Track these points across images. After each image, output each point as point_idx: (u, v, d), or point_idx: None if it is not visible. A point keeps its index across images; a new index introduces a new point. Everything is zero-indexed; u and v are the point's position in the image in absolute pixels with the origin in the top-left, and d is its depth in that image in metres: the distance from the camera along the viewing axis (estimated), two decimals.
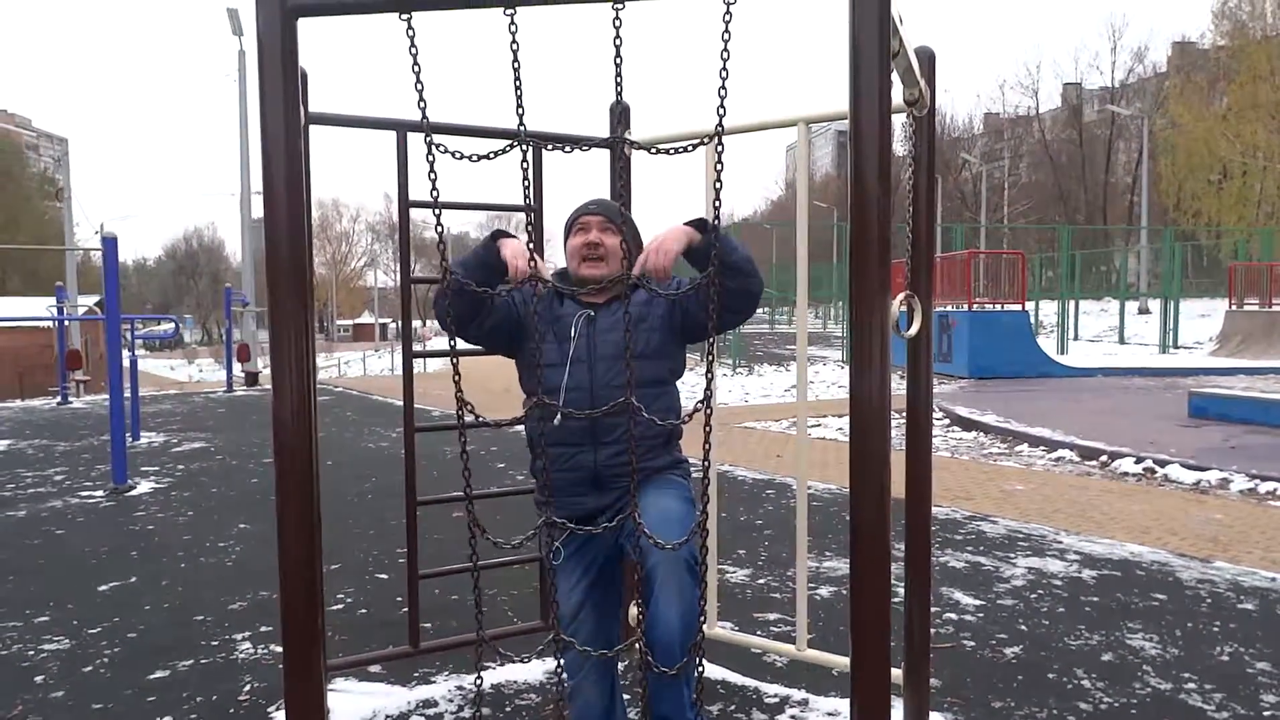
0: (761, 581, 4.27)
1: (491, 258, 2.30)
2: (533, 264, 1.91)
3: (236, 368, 16.86)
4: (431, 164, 1.88)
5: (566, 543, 2.37)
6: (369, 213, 75.13)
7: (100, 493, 6.68)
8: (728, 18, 1.65)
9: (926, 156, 2.55)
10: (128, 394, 9.09)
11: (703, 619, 1.95)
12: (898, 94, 2.32)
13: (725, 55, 1.73)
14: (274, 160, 1.67)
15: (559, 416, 2.30)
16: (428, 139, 1.84)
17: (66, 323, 16.57)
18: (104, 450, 8.61)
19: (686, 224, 2.24)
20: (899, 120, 2.68)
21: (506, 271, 2.30)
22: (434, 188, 1.91)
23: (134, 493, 6.66)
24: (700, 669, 1.81)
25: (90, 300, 28.04)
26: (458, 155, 2.04)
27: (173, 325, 14.97)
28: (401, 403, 3.10)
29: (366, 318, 74.71)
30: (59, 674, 3.30)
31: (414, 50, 1.71)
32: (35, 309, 20.15)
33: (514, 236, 2.37)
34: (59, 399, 14.76)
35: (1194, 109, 32.86)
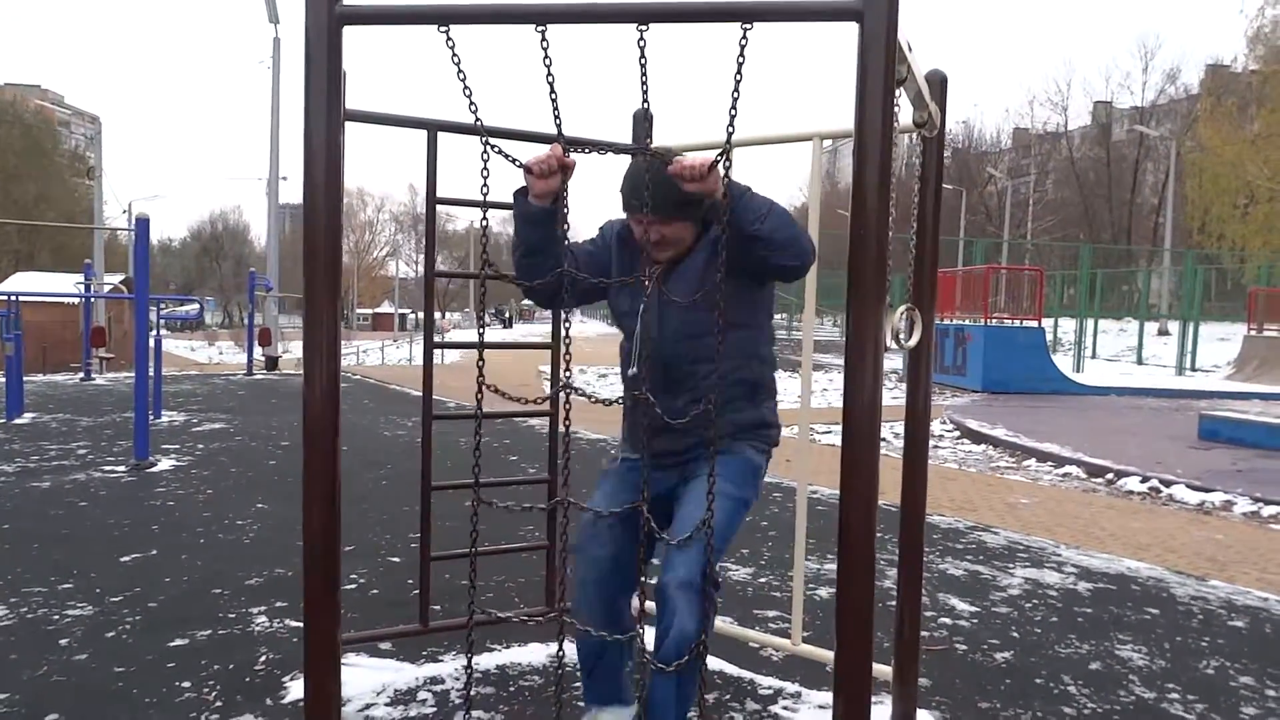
0: (763, 580, 4.37)
1: (529, 209, 2.24)
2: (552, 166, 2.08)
3: (257, 351, 17.08)
4: (485, 163, 1.99)
5: (626, 467, 2.51)
6: (394, 203, 75.60)
7: (122, 468, 6.85)
8: (744, 42, 1.76)
9: (935, 175, 2.65)
10: (150, 373, 9.28)
11: (706, 637, 2.06)
12: (907, 115, 2.43)
13: (738, 77, 1.84)
14: (315, 160, 1.79)
15: (632, 367, 2.42)
16: (484, 141, 1.96)
17: (93, 300, 16.83)
18: (126, 427, 8.80)
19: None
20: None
21: (553, 204, 2.22)
22: (485, 185, 2.02)
23: (155, 469, 6.83)
24: (700, 684, 1.91)
25: (115, 278, 28.39)
26: (513, 160, 2.15)
27: (198, 307, 15.16)
28: (418, 393, 3.22)
29: (386, 307, 75.15)
30: (83, 638, 3.44)
31: (456, 59, 1.83)
32: (62, 285, 20.44)
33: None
34: (82, 375, 15.02)
35: (1223, 132, 32.63)
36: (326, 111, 1.78)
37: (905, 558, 2.79)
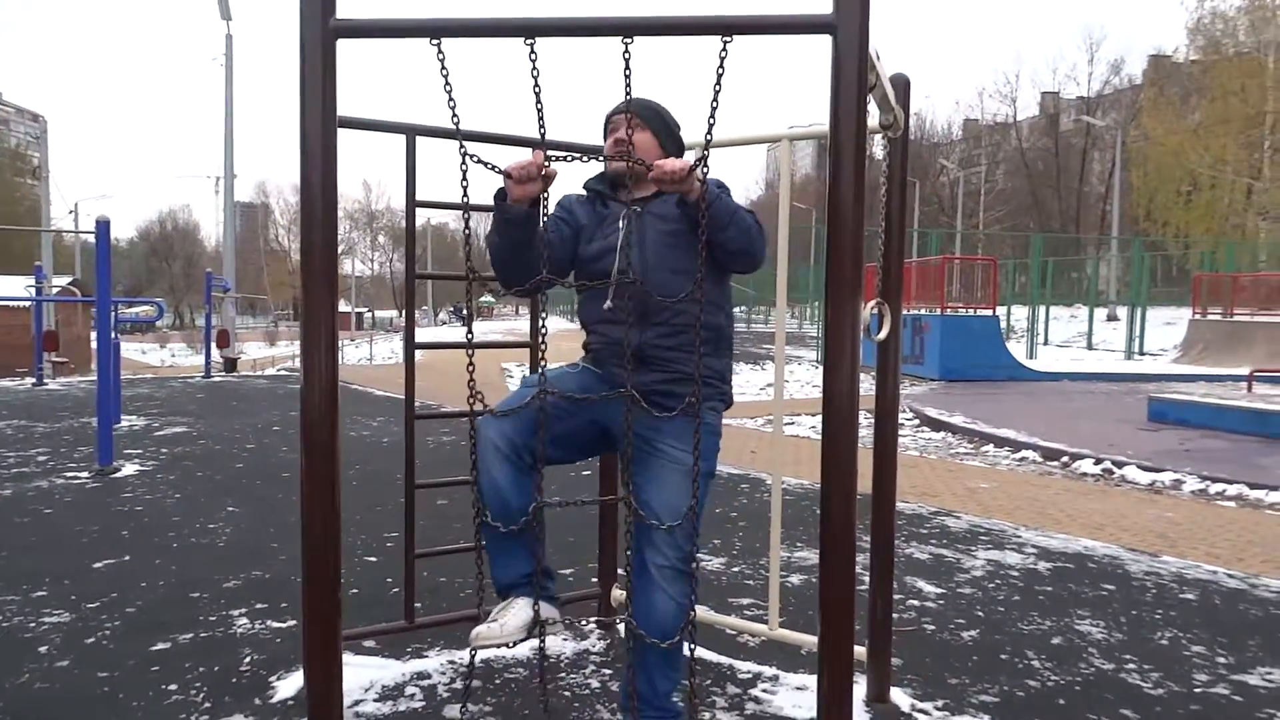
0: (736, 569, 4.48)
1: (509, 213, 2.32)
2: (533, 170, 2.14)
3: (215, 353, 16.88)
4: (465, 172, 2.05)
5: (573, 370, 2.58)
6: (347, 200, 74.75)
7: (85, 474, 6.78)
8: (724, 54, 1.84)
9: (900, 174, 2.75)
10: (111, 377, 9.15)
11: (692, 615, 2.14)
12: (874, 118, 2.53)
13: (718, 88, 1.92)
14: (311, 165, 1.84)
15: (608, 301, 2.48)
16: (462, 149, 2.03)
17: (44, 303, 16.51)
18: (84, 432, 8.69)
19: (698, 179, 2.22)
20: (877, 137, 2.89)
21: (531, 208, 2.30)
22: (465, 194, 2.08)
23: (119, 474, 6.77)
24: (691, 668, 1.99)
25: (63, 281, 27.80)
26: (492, 167, 2.22)
27: (157, 309, 14.94)
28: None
29: (343, 306, 74.33)
30: (62, 645, 3.44)
31: (445, 71, 1.89)
32: (8, 288, 20.01)
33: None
34: (34, 380, 14.74)
35: (1166, 122, 33.44)
36: (322, 119, 1.83)
37: (877, 544, 2.91)
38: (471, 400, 2.01)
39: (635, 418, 2.24)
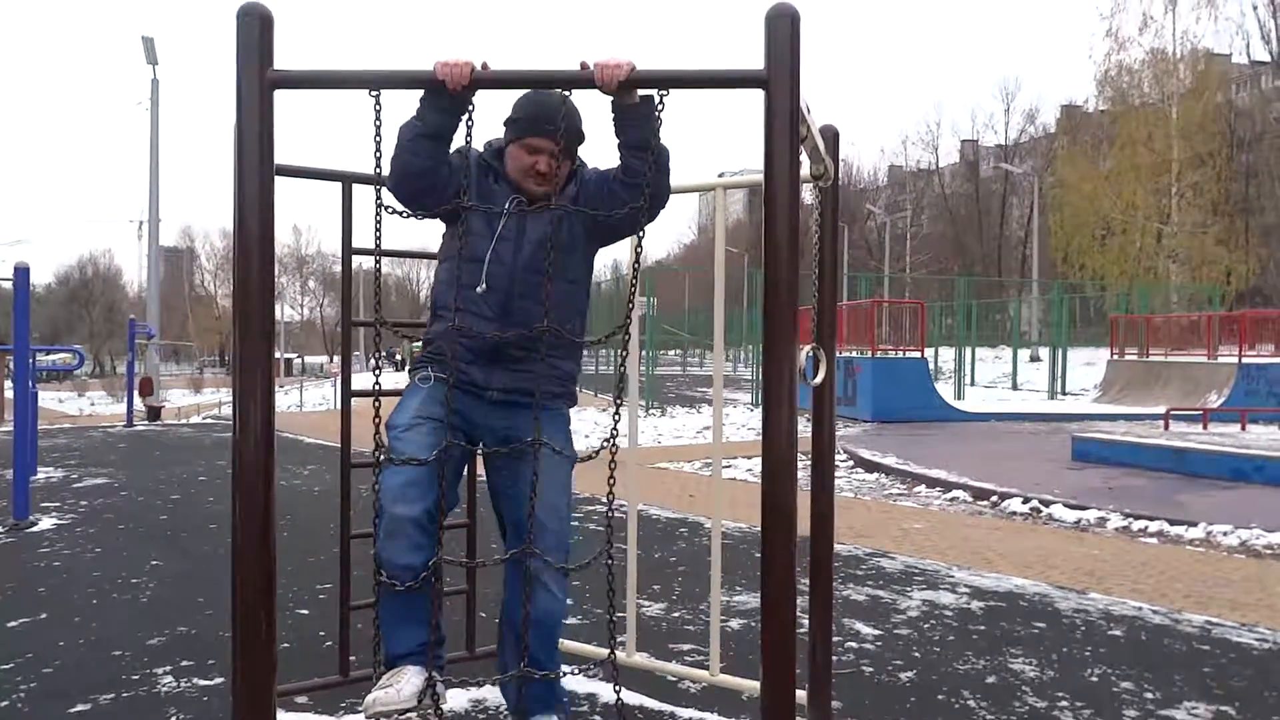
0: (676, 615, 4.46)
1: (439, 99, 2.18)
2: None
3: (137, 402, 16.37)
4: (378, 223, 2.06)
5: (435, 386, 2.49)
6: (277, 245, 73.43)
7: None
8: (660, 107, 1.89)
9: (831, 221, 2.83)
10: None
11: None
12: (805, 169, 2.59)
13: (655, 139, 1.96)
14: (248, 215, 1.83)
15: (482, 284, 2.48)
16: (378, 200, 2.03)
17: None
18: None
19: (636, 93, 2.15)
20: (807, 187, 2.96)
21: (453, 119, 2.23)
22: (378, 242, 2.08)
23: (36, 529, 6.50)
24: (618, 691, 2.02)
25: None
26: (405, 214, 2.24)
27: (77, 357, 14.48)
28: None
29: None
30: None
31: (378, 123, 1.89)
32: None
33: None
34: None
35: (1080, 169, 34.85)
36: (259, 168, 1.82)
37: (816, 587, 2.93)
38: (378, 454, 2.03)
39: (500, 420, 2.37)
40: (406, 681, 2.37)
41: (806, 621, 3.01)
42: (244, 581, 1.89)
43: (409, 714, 2.33)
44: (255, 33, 1.79)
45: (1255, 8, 36.02)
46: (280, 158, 1.98)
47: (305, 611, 4.47)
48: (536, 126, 2.48)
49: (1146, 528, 6.89)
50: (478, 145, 2.44)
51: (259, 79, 1.79)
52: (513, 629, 2.33)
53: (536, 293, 2.44)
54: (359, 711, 3.21)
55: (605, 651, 2.30)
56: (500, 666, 2.78)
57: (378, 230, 2.07)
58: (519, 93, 2.54)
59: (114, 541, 6.11)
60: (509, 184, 2.57)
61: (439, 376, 2.49)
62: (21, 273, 6.39)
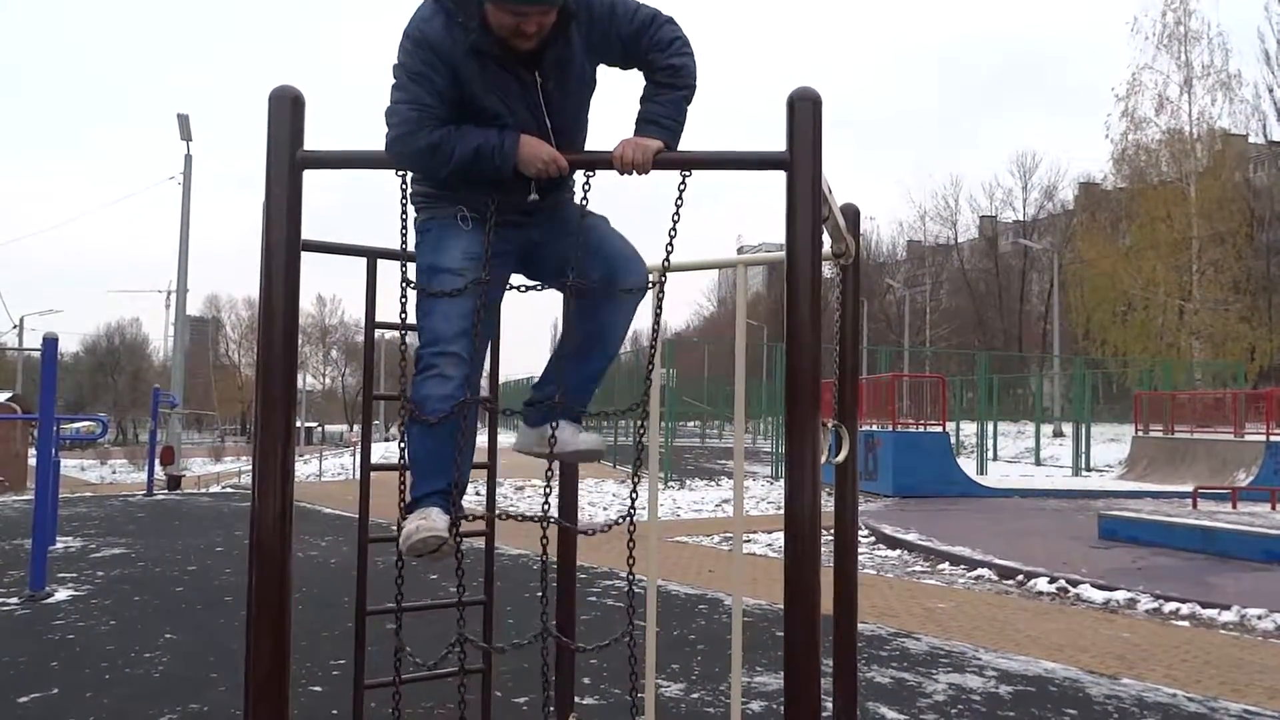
0: (695, 695, 4.36)
1: (502, 172, 2.19)
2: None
3: (158, 470, 16.43)
4: (404, 299, 2.09)
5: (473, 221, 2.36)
6: (300, 315, 74.43)
7: (15, 600, 6.47)
8: (683, 187, 1.91)
9: (853, 299, 2.83)
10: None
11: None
12: (827, 246, 2.61)
13: (676, 218, 1.98)
14: (274, 290, 1.86)
15: (533, 195, 2.35)
16: (404, 274, 2.06)
17: None
18: (16, 555, 8.33)
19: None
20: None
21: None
22: (403, 317, 2.11)
23: (52, 600, 6.48)
24: None
25: (2, 396, 27.12)
26: (430, 293, 2.26)
27: (100, 426, 14.60)
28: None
29: None
30: None
31: (404, 202, 1.93)
32: None
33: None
34: None
35: (1098, 245, 34.88)
36: (287, 247, 1.85)
37: (840, 669, 2.87)
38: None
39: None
40: (436, 517, 2.33)
41: (829, 704, 2.94)
42: (257, 659, 1.86)
43: (444, 544, 2.27)
44: (286, 114, 1.84)
45: (1271, 90, 36.34)
46: (306, 229, 2.02)
47: (317, 689, 4.40)
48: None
49: (1178, 610, 6.71)
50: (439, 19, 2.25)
51: (289, 159, 1.84)
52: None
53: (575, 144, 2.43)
54: None
55: None
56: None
57: (403, 304, 2.11)
58: None
59: (129, 614, 6.07)
60: (502, 48, 2.26)
61: (474, 217, 2.34)
62: (50, 344, 6.49)
